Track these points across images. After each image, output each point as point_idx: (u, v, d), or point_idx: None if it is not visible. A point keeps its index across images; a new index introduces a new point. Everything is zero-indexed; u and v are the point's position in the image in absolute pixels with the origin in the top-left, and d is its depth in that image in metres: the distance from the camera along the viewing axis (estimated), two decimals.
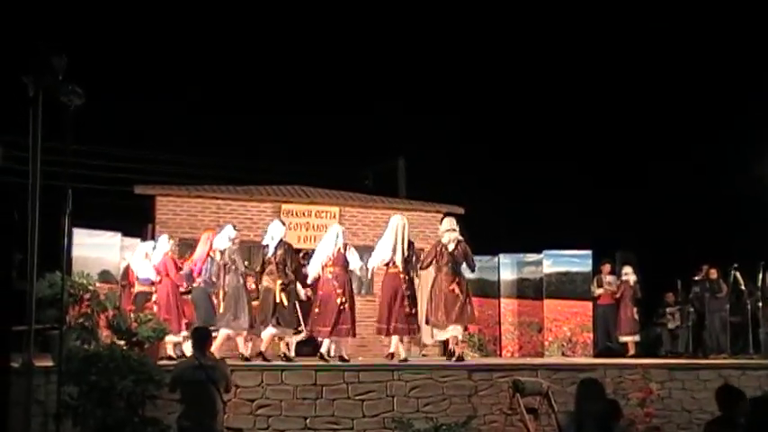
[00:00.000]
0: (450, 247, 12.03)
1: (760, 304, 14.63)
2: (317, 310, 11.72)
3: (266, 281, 11.57)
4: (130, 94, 21.32)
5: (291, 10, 26.02)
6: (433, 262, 12.17)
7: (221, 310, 11.57)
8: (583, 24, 24.32)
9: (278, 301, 11.38)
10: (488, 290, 15.54)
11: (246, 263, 12.14)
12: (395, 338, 11.89)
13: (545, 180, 23.63)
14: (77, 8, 20.90)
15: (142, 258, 12.21)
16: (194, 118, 23.03)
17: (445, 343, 12.92)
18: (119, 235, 13.45)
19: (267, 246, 11.70)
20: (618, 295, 14.90)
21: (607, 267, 15.23)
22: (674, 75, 23.33)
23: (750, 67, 21.91)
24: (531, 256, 15.45)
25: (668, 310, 15.79)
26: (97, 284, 10.83)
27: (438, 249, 12.13)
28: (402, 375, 10.74)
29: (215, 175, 19.48)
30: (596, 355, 14.34)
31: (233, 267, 11.66)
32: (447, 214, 16.81)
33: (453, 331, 12.00)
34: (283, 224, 12.04)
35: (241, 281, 11.69)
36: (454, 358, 11.86)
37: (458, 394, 10.89)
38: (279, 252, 11.55)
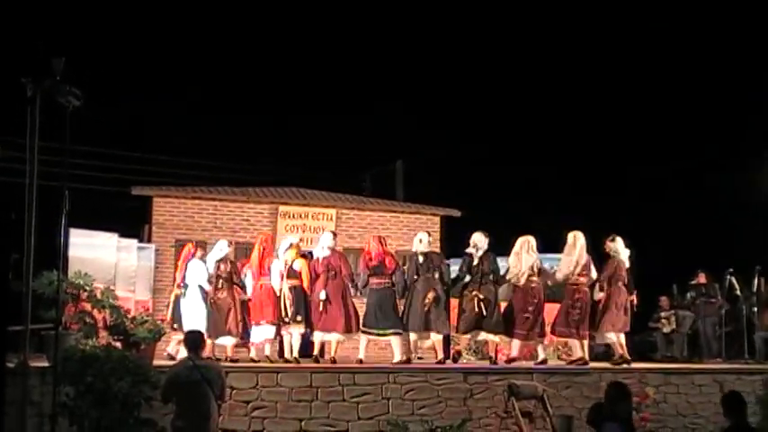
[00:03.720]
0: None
1: (755, 309, 14.64)
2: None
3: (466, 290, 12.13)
4: (127, 95, 21.31)
5: (290, 10, 26.04)
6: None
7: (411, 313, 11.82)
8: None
9: (477, 309, 11.96)
10: None
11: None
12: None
13: (542, 183, 23.63)
14: (76, 9, 20.92)
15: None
16: (192, 119, 23.03)
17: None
18: (115, 236, 13.44)
19: (471, 254, 12.15)
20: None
21: None
22: (674, 78, 23.32)
23: (749, 67, 21.90)
24: None
25: (663, 314, 15.78)
26: (94, 284, 10.83)
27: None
28: (397, 378, 10.75)
29: (213, 177, 19.55)
30: (592, 359, 14.34)
31: (429, 274, 11.94)
32: (444, 217, 16.94)
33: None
34: (486, 236, 12.32)
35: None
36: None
37: (453, 397, 10.89)
38: (486, 262, 12.09)
